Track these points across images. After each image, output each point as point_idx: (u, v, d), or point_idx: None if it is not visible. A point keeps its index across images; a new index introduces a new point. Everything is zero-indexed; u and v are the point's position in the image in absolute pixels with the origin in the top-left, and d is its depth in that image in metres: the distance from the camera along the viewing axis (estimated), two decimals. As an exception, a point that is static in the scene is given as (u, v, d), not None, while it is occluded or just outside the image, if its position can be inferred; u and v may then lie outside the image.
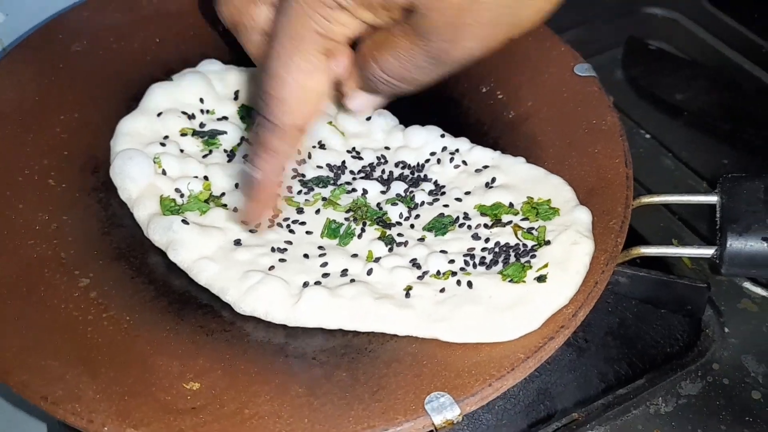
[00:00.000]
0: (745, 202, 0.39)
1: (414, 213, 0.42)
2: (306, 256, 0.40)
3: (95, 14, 0.51)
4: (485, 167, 0.44)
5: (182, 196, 0.42)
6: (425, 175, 0.44)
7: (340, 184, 0.44)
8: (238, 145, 0.46)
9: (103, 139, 0.45)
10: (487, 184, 0.43)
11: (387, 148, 0.46)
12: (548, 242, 0.38)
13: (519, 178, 0.43)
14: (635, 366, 0.43)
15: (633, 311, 0.46)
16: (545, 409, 0.42)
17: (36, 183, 0.42)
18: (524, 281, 0.37)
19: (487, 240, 0.40)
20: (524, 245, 0.39)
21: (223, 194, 0.43)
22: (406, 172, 0.45)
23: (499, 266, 0.39)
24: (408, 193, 0.43)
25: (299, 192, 0.44)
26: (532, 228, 0.40)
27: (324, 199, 0.43)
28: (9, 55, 0.48)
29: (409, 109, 0.48)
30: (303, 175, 0.44)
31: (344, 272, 0.39)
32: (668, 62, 0.62)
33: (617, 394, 0.41)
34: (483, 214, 0.41)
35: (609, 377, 0.43)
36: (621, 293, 0.46)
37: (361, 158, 0.46)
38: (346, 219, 0.42)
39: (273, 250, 0.40)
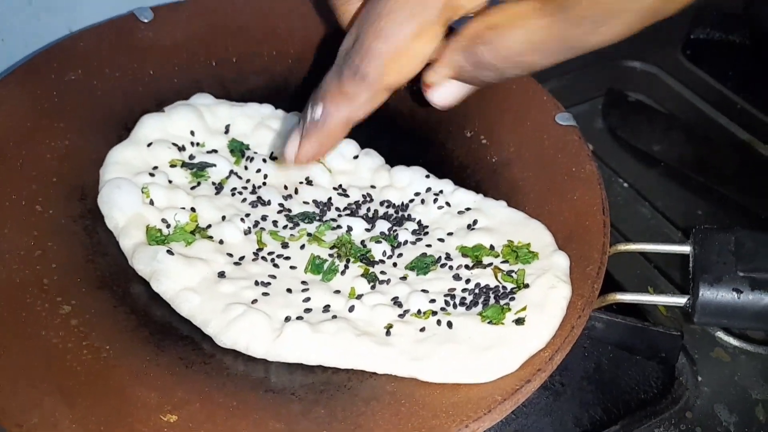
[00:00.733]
0: (716, 254, 0.40)
1: (397, 251, 0.43)
2: (289, 290, 0.40)
3: (90, 44, 0.51)
4: (468, 209, 0.45)
5: (168, 226, 0.42)
6: (409, 215, 0.45)
7: (326, 221, 0.44)
8: (227, 178, 0.46)
9: (92, 167, 0.45)
10: (469, 226, 0.44)
11: (373, 186, 0.47)
12: (527, 285, 0.39)
13: (500, 222, 0.43)
14: (610, 412, 0.44)
15: (609, 356, 0.46)
16: (521, 452, 0.43)
17: (23, 208, 0.42)
18: (503, 323, 0.37)
19: (467, 281, 0.40)
20: (504, 287, 0.40)
21: (209, 226, 0.43)
22: (391, 211, 0.46)
23: (479, 307, 0.39)
24: (392, 232, 0.44)
25: (285, 227, 0.44)
26: (512, 271, 0.40)
27: (309, 234, 0.43)
28: (3, 80, 0.48)
29: (396, 150, 0.49)
30: (289, 210, 0.45)
31: (326, 308, 0.39)
32: (646, 114, 0.64)
33: (592, 439, 0.42)
34: (464, 255, 0.42)
35: (584, 422, 0.43)
36: (597, 338, 0.46)
37: (347, 195, 0.46)
38: (330, 255, 0.42)
39: (257, 283, 0.40)
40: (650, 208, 0.57)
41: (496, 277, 0.40)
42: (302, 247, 0.43)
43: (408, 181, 0.47)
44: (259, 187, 0.46)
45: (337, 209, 0.46)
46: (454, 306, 0.39)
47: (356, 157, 0.48)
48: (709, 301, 0.39)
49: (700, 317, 0.40)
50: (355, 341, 0.37)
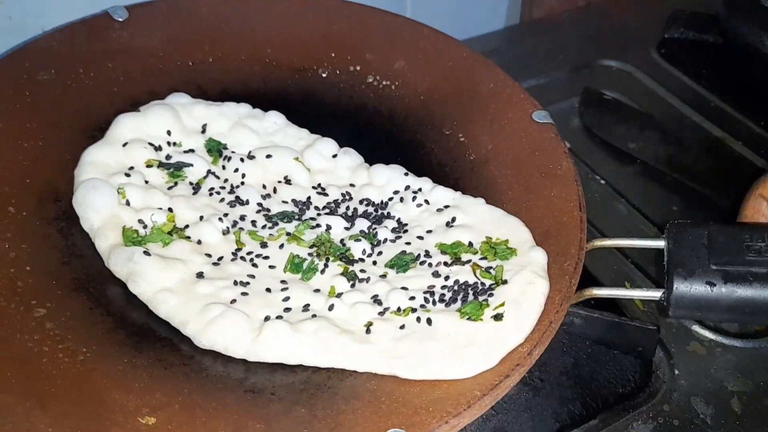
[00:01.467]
0: (689, 248, 0.40)
1: (377, 250, 0.43)
2: (268, 290, 0.40)
3: (63, 44, 0.51)
4: (446, 207, 0.45)
5: (145, 227, 0.42)
6: (388, 213, 0.45)
7: (305, 220, 0.44)
8: (204, 177, 0.46)
9: (66, 168, 0.45)
10: (447, 224, 0.44)
11: (352, 185, 0.47)
12: (505, 281, 0.39)
13: (478, 219, 0.44)
14: (589, 406, 0.44)
15: (587, 352, 0.46)
16: (501, 448, 0.43)
17: (-5, 211, 0.42)
18: (481, 319, 0.38)
19: (446, 278, 0.41)
20: (482, 284, 0.40)
21: (186, 226, 0.43)
22: (370, 209, 0.45)
23: (458, 304, 0.39)
24: (371, 230, 0.44)
25: (264, 226, 0.44)
26: (490, 267, 0.41)
27: (288, 234, 0.43)
28: (-27, 81, 0.47)
29: (375, 149, 0.49)
30: (268, 210, 0.45)
31: (306, 307, 0.39)
32: (622, 112, 0.64)
33: (571, 433, 0.42)
34: (443, 252, 0.42)
35: (563, 417, 0.44)
36: (575, 334, 0.47)
37: (326, 194, 0.46)
38: (310, 254, 0.42)
39: (235, 283, 0.40)
40: (626, 204, 0.57)
41: (475, 274, 0.40)
42: (281, 246, 0.42)
43: (387, 180, 0.47)
44: (237, 186, 0.46)
45: (317, 208, 0.45)
46: (434, 303, 0.39)
47: (335, 156, 0.48)
48: (683, 294, 0.39)
49: (675, 310, 0.40)
50: (335, 340, 0.37)
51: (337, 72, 0.55)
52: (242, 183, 0.46)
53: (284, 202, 0.45)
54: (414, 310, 0.39)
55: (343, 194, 0.46)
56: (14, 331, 0.37)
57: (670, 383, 0.45)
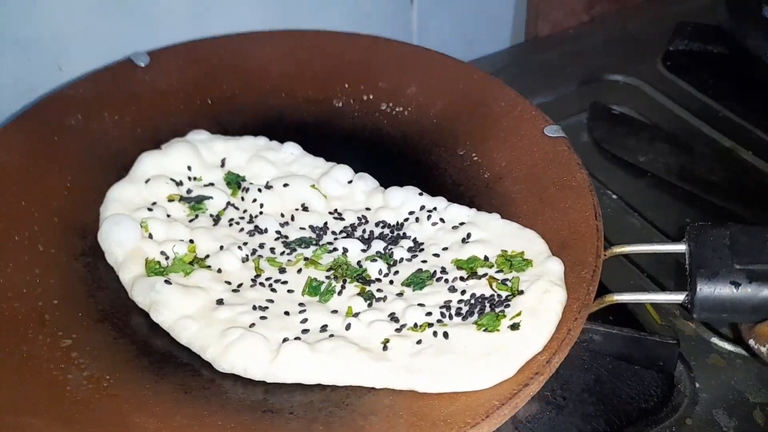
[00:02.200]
0: (711, 249, 0.39)
1: (393, 269, 0.42)
2: (287, 313, 0.39)
3: (89, 91, 0.51)
4: (461, 224, 0.44)
5: (167, 258, 0.42)
6: (404, 233, 0.44)
7: (322, 244, 0.43)
8: (224, 209, 0.46)
9: (92, 206, 0.45)
10: (463, 240, 0.43)
11: (368, 209, 0.46)
12: (521, 292, 0.38)
13: (494, 233, 0.42)
14: (612, 422, 0.42)
15: (608, 368, 0.44)
16: (527, 466, 0.41)
17: (25, 248, 0.42)
18: (498, 330, 0.36)
19: (463, 292, 0.39)
20: (498, 296, 0.38)
21: (207, 256, 0.42)
22: (386, 231, 0.45)
23: (475, 317, 0.38)
24: (387, 251, 0.43)
25: (282, 253, 0.43)
26: (507, 279, 0.39)
27: (306, 258, 0.42)
28: (6, 127, 0.48)
29: (390, 172, 0.49)
30: (286, 237, 0.44)
31: (324, 328, 0.38)
32: (630, 126, 0.63)
33: (597, 449, 0.40)
34: (459, 267, 0.41)
35: (588, 433, 0.42)
36: (596, 350, 0.45)
37: (342, 219, 0.45)
38: (327, 277, 0.41)
39: (254, 308, 0.39)
40: (639, 218, 0.55)
41: (491, 287, 0.39)
42: (299, 271, 0.42)
43: (402, 201, 0.46)
44: (256, 216, 0.46)
45: (333, 233, 0.45)
46: (450, 317, 0.38)
47: (350, 182, 0.48)
48: (707, 295, 0.38)
49: (700, 312, 0.38)
50: (353, 358, 0.36)
51: (351, 101, 0.55)
52: (261, 212, 0.46)
53: (302, 228, 0.45)
54: (431, 325, 0.38)
55: (359, 218, 0.45)
56: (42, 360, 0.37)
57: (691, 397, 0.43)
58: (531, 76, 0.68)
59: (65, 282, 0.41)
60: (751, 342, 0.40)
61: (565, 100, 0.66)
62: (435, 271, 0.41)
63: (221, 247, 0.43)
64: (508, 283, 0.39)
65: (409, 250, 0.43)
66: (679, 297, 0.39)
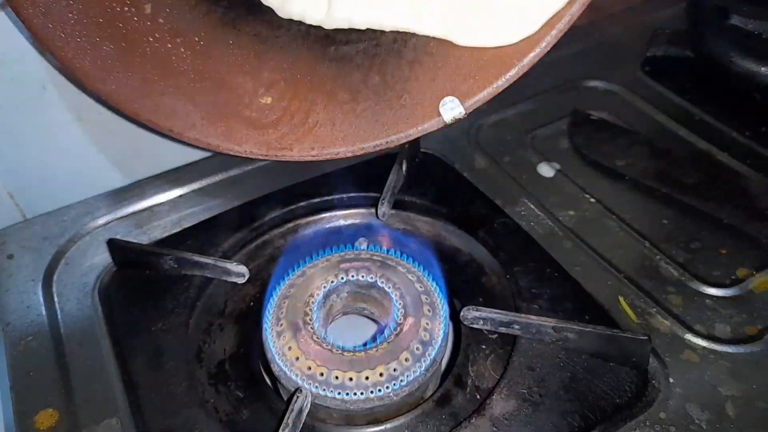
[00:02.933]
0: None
1: None
2: None
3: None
4: None
5: None
6: None
7: None
8: None
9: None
10: None
11: None
12: None
13: None
14: (587, 418, 0.46)
15: (584, 366, 0.48)
16: (505, 462, 0.44)
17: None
18: None
19: None
20: None
21: None
22: None
23: None
24: None
25: None
26: None
27: None
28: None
29: None
30: None
31: None
32: (609, 131, 0.67)
33: (571, 445, 0.44)
34: None
35: (563, 430, 0.45)
36: (571, 348, 0.49)
37: None
38: None
39: None
40: (617, 221, 0.59)
41: None
42: None
43: None
44: None
45: None
46: None
47: None
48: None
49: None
50: (399, 3, 0.40)
51: None
52: None
53: None
54: None
55: None
56: (140, 35, 0.41)
57: (665, 392, 0.47)
58: (512, 84, 0.71)
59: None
60: None
61: (545, 107, 0.70)
62: None
63: None
64: None
65: None
66: None
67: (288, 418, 0.44)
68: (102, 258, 0.57)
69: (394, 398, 0.46)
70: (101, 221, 0.61)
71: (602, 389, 0.47)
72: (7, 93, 0.54)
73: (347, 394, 0.45)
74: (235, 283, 0.55)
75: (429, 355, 0.47)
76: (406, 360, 0.47)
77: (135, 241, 0.58)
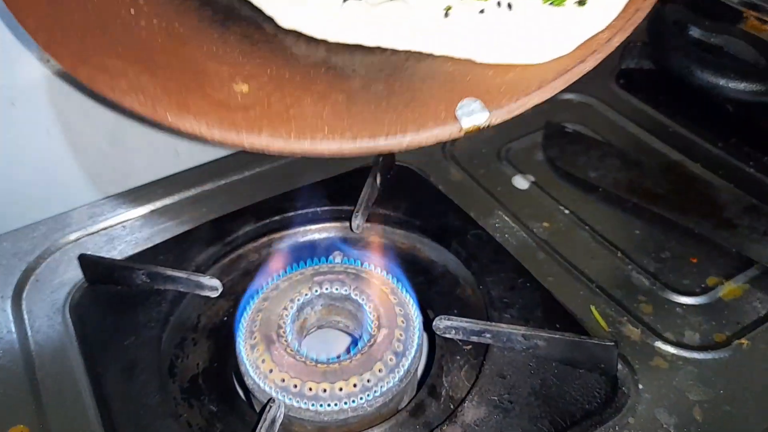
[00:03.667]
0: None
1: None
2: None
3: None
4: None
5: None
6: None
7: None
8: None
9: None
10: None
11: None
12: None
13: None
14: (557, 423, 0.48)
15: (554, 372, 0.51)
16: (476, 469, 0.47)
17: None
18: (564, 4, 0.38)
19: None
20: None
21: None
22: None
23: None
24: None
25: None
26: None
27: None
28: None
29: None
30: None
31: None
32: (582, 143, 0.70)
33: (541, 450, 0.46)
34: None
35: (534, 435, 0.48)
36: (541, 356, 0.52)
37: None
38: None
39: None
40: (590, 231, 0.62)
41: None
42: None
43: None
44: None
45: None
46: None
47: None
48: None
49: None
50: (413, 21, 0.38)
51: None
52: None
53: None
54: None
55: None
56: (115, 4, 0.40)
57: (634, 397, 0.50)
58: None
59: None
60: None
61: (520, 119, 0.73)
62: None
63: None
64: None
65: None
66: None
67: (260, 428, 0.47)
68: (73, 274, 0.60)
69: (368, 409, 0.49)
70: (72, 237, 0.63)
71: (572, 395, 0.50)
72: (-24, 109, 0.57)
73: (321, 405, 0.48)
74: (209, 298, 0.58)
75: (403, 365, 0.50)
76: (380, 371, 0.49)
77: (107, 256, 0.60)
